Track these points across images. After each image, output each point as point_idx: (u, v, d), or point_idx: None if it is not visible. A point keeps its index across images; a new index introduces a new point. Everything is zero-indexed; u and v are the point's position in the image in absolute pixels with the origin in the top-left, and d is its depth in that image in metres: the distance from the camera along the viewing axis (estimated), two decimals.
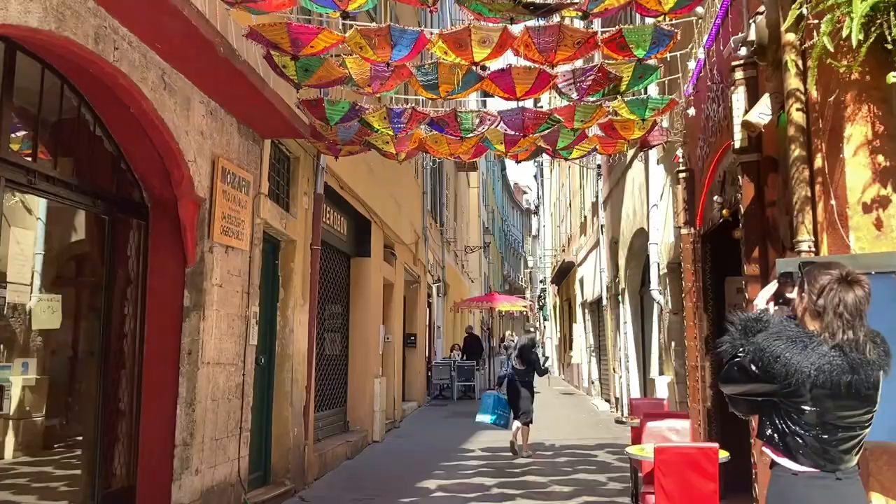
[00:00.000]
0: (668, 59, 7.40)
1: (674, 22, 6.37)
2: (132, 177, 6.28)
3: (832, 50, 3.95)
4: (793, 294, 3.21)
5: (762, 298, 3.37)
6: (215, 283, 6.72)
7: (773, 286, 3.37)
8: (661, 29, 6.28)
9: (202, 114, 6.46)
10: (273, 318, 8.70)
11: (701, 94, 7.94)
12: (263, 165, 7.84)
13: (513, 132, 7.98)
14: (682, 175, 8.84)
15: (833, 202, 4.34)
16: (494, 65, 6.86)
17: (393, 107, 7.44)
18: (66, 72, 5.31)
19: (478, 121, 7.66)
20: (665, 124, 9.30)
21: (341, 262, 12.21)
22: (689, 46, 8.04)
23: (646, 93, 8.23)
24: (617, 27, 6.32)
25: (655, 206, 11.41)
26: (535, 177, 62.39)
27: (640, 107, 7.83)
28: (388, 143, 8.30)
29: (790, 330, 3.05)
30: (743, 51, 5.72)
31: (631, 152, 14.02)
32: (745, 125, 5.19)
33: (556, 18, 6.45)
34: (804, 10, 4.45)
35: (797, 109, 4.64)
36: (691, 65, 8.03)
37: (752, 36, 5.17)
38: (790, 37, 4.69)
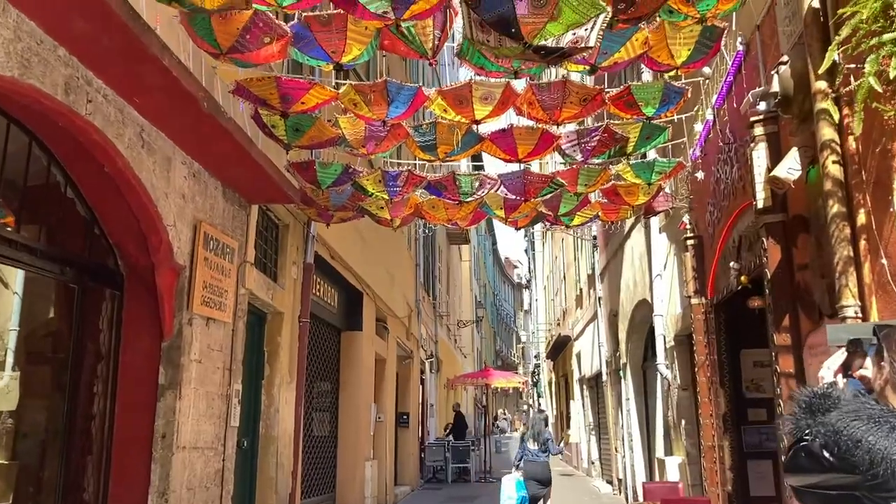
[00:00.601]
0: (675, 120, 7.08)
1: (683, 81, 6.07)
2: (106, 242, 5.80)
3: (879, 90, 3.57)
4: (865, 364, 2.72)
5: (829, 370, 2.87)
6: (194, 358, 6.17)
7: (840, 356, 2.88)
8: (671, 86, 5.96)
9: (184, 175, 6.03)
10: (257, 396, 8.09)
11: (710, 156, 7.60)
12: (250, 232, 7.38)
13: (513, 196, 7.58)
14: (690, 242, 8.45)
15: (883, 261, 3.89)
16: (495, 124, 6.52)
17: (388, 169, 7.05)
18: (35, 127, 4.88)
19: (477, 184, 7.26)
20: (667, 189, 8.93)
21: (331, 336, 11.64)
22: (696, 108, 7.74)
23: (644, 157, 7.88)
24: (625, 84, 6.00)
25: (659, 276, 10.97)
26: (526, 251, 62.26)
27: (645, 170, 7.47)
28: (382, 208, 7.88)
29: (870, 408, 2.53)
30: (762, 105, 5.38)
31: (629, 222, 13.71)
32: (772, 181, 4.79)
33: (561, 73, 6.13)
34: (836, 57, 4.09)
35: (833, 162, 4.24)
36: (698, 127, 7.73)
37: (776, 87, 4.82)
38: (821, 85, 4.33)
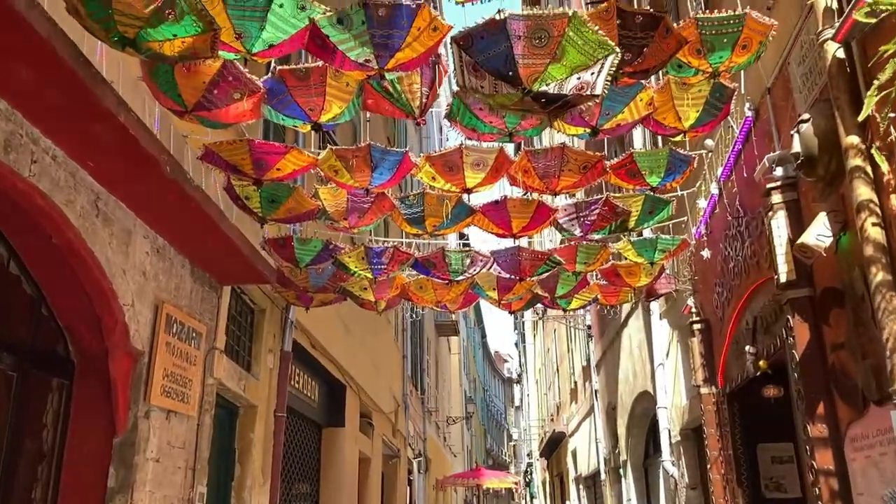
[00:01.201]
0: (680, 194, 6.65)
1: (686, 152, 5.66)
2: (55, 324, 5.18)
3: None
4: None
5: None
6: (150, 456, 5.45)
7: None
8: (677, 153, 5.54)
9: (146, 250, 5.47)
10: (226, 500, 7.28)
11: (716, 233, 7.14)
12: (221, 316, 6.77)
13: (507, 276, 7.05)
14: (696, 327, 7.89)
15: None
16: (486, 195, 6.06)
17: (372, 245, 6.53)
18: None
19: (468, 262, 6.74)
20: (668, 271, 8.42)
21: (311, 433, 10.82)
22: (698, 184, 7.33)
23: (640, 234, 7.41)
24: (628, 151, 5.57)
25: (661, 365, 10.35)
26: (516, 344, 61.21)
27: (648, 248, 6.99)
28: (366, 289, 7.31)
29: None
30: (779, 170, 4.94)
31: (626, 309, 13.18)
32: (800, 250, 4.27)
33: (558, 139, 5.70)
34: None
35: (873, 224, 3.74)
36: (701, 203, 7.29)
37: (797, 148, 4.37)
38: (853, 139, 3.88)
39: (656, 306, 10.58)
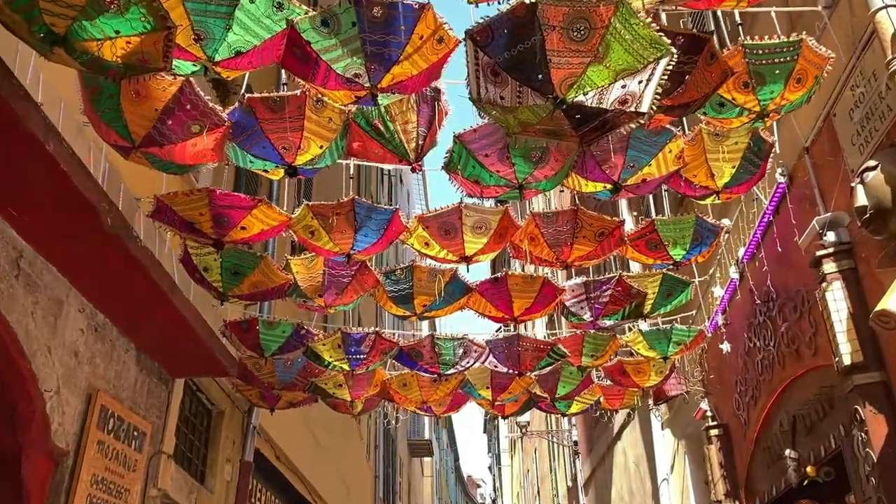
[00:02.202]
0: (693, 282, 5.93)
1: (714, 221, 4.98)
2: None
3: None
4: None
5: None
6: None
7: None
8: (704, 222, 4.86)
9: (80, 328, 4.57)
10: None
11: (736, 324, 6.38)
12: (171, 414, 5.76)
13: (504, 370, 6.17)
14: (713, 433, 6.99)
15: None
16: (478, 271, 5.27)
17: (350, 330, 5.66)
18: None
19: (461, 351, 5.87)
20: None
21: None
22: (711, 270, 6.63)
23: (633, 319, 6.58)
24: (648, 219, 4.87)
25: (665, 480, 9.32)
26: (490, 468, 58.78)
27: (661, 340, 6.21)
28: (340, 386, 6.37)
29: None
30: (831, 236, 4.24)
31: (618, 421, 12.21)
32: (879, 319, 3.50)
33: (558, 200, 5.01)
34: None
35: None
36: (717, 291, 6.56)
37: (862, 201, 3.69)
38: None
39: (657, 415, 9.66)
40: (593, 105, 2.79)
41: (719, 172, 4.29)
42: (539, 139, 3.18)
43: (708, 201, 4.54)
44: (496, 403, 6.84)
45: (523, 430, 16.32)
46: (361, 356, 5.69)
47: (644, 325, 6.36)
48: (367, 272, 5.04)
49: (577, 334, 6.07)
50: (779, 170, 5.01)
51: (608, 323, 5.71)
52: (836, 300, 4.12)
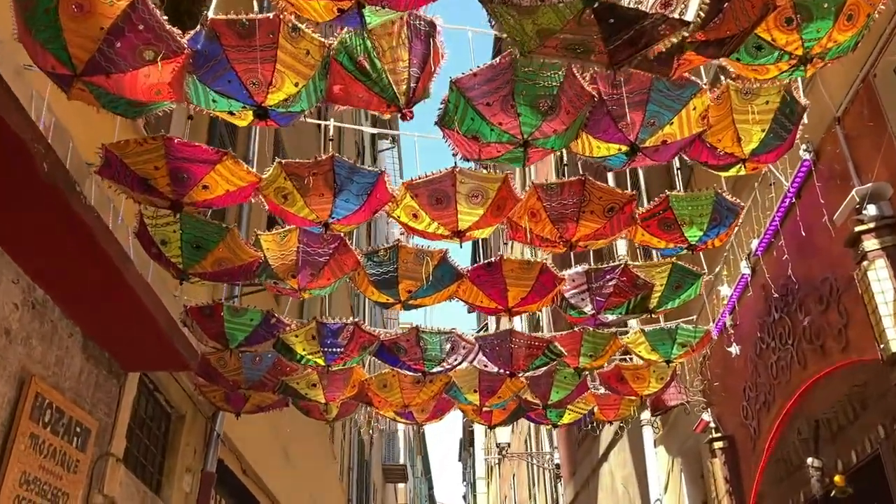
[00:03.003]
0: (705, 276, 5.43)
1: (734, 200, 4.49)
2: None
3: None
4: None
5: None
6: None
7: None
8: (724, 200, 4.37)
9: (14, 302, 3.96)
10: None
11: (746, 324, 5.89)
12: (122, 412, 5.13)
13: (494, 370, 5.61)
14: (717, 445, 6.47)
15: None
16: (459, 259, 4.73)
17: (327, 321, 5.08)
18: None
19: (448, 346, 5.31)
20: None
21: None
22: (717, 269, 6.15)
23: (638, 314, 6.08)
24: (663, 194, 4.38)
25: (658, 501, 8.76)
26: (464, 497, 57.68)
27: (664, 341, 5.71)
28: (314, 386, 5.77)
29: None
30: (872, 209, 3.77)
31: (604, 442, 11.66)
32: None
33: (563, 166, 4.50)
34: None
35: None
36: (724, 290, 6.08)
37: None
38: None
39: (649, 432, 9.12)
40: (631, 8, 2.28)
41: (747, 136, 3.81)
42: (558, 57, 2.66)
43: (731, 172, 4.06)
44: (483, 410, 6.27)
45: (503, 452, 15.68)
46: (338, 349, 5.12)
47: (636, 323, 5.85)
48: (347, 252, 4.49)
49: (575, 331, 5.54)
50: (803, 146, 4.55)
51: (610, 318, 5.19)
52: (881, 279, 3.64)
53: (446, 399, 6.39)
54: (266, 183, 3.86)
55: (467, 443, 48.51)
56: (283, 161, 3.78)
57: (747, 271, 5.65)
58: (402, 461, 29.23)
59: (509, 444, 16.58)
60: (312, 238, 4.37)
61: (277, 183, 3.84)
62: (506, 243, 5.08)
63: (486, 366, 5.58)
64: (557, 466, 15.60)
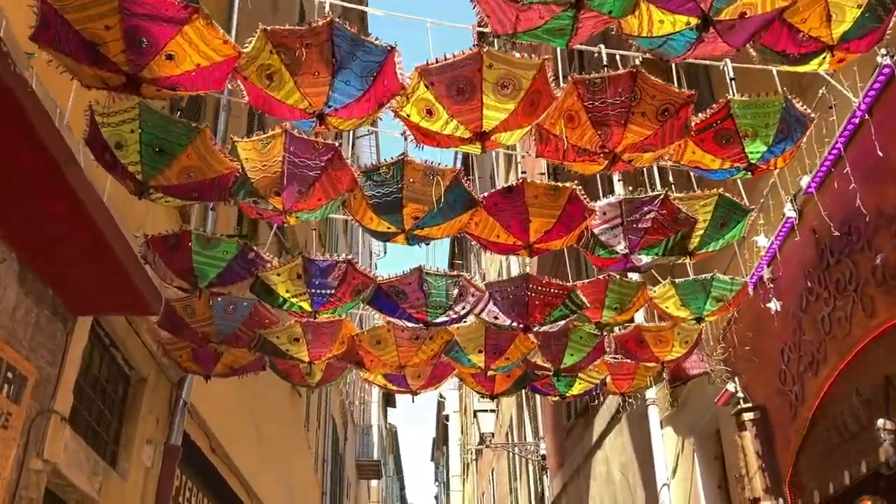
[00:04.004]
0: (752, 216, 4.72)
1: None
2: None
3: None
4: None
5: None
6: None
7: None
8: (793, 108, 3.68)
9: None
10: None
11: (788, 276, 5.23)
12: (69, 364, 4.32)
13: (507, 323, 4.87)
14: (747, 417, 5.79)
15: None
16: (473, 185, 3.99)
17: (315, 257, 4.31)
18: None
19: (456, 292, 4.56)
20: None
21: None
22: (753, 216, 5.46)
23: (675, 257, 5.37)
24: (723, 99, 3.68)
25: (666, 486, 8.10)
26: (436, 497, 56.76)
27: (698, 294, 5.05)
28: (297, 341, 4.99)
29: None
30: None
31: (598, 428, 10.99)
32: None
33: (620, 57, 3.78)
34: None
35: None
36: (762, 241, 5.41)
37: None
38: None
39: (655, 413, 8.46)
40: None
41: (839, 15, 3.13)
42: None
43: (812, 65, 3.37)
44: (488, 373, 5.53)
45: (487, 442, 14.96)
46: (328, 292, 4.35)
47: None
48: (342, 166, 3.72)
49: (599, 279, 4.84)
50: (882, 50, 3.88)
51: (644, 260, 4.49)
52: None
53: (445, 363, 5.65)
54: (247, 60, 3.09)
55: (441, 442, 47.76)
56: (269, 29, 3.02)
57: (793, 214, 4.98)
58: (376, 457, 28.37)
59: (493, 434, 15.85)
60: (301, 146, 3.61)
61: (261, 59, 3.08)
62: (539, 155, 4.26)
63: (496, 318, 4.84)
64: (543, 458, 14.90)
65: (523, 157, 12.73)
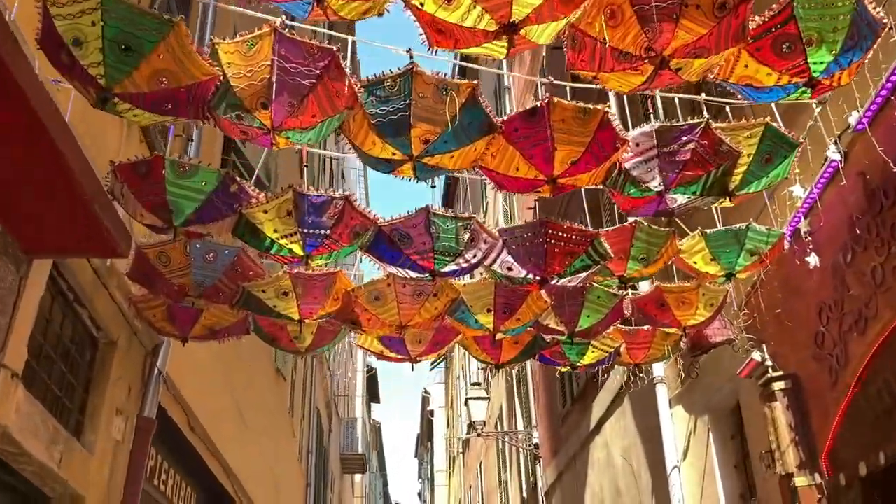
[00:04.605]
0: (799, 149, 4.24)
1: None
2: None
3: None
4: None
5: None
6: None
7: None
8: (865, 11, 3.18)
9: None
10: None
11: (829, 227, 4.75)
12: (22, 312, 3.74)
13: (521, 275, 4.35)
14: (778, 386, 5.32)
15: None
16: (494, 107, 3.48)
17: (308, 192, 3.76)
18: None
19: (467, 237, 4.03)
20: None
21: None
22: (785, 164, 4.98)
23: (714, 197, 4.90)
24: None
25: (676, 468, 7.62)
26: (419, 494, 56.21)
27: (731, 247, 4.59)
28: (286, 295, 4.43)
29: None
30: None
31: (596, 413, 10.52)
32: None
33: None
34: None
35: None
36: (797, 191, 4.92)
37: None
38: None
39: (663, 391, 7.98)
40: None
41: None
42: None
43: None
44: (496, 336, 5.00)
45: (478, 430, 14.46)
46: (322, 232, 3.80)
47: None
48: (341, 76, 3.18)
49: (625, 226, 4.33)
50: None
51: (679, 200, 3.98)
52: None
53: (448, 327, 5.12)
54: None
55: (425, 437, 47.22)
56: None
57: (837, 156, 4.50)
58: (360, 450, 27.80)
59: (484, 423, 15.34)
60: (293, 49, 3.07)
61: None
62: (570, 69, 3.76)
63: (509, 269, 4.31)
64: (536, 447, 14.42)
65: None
